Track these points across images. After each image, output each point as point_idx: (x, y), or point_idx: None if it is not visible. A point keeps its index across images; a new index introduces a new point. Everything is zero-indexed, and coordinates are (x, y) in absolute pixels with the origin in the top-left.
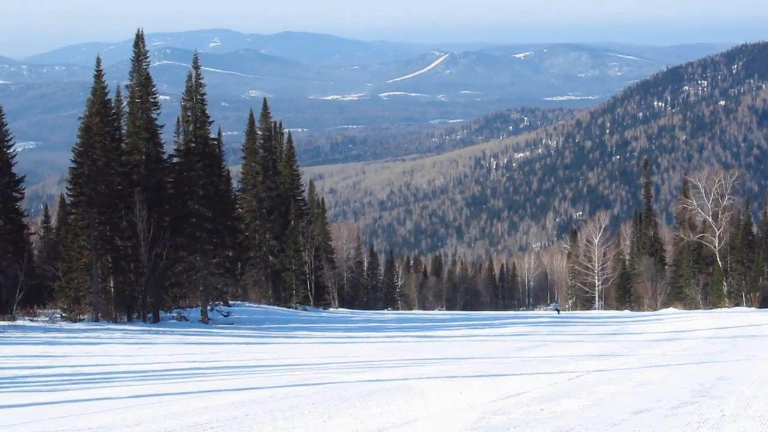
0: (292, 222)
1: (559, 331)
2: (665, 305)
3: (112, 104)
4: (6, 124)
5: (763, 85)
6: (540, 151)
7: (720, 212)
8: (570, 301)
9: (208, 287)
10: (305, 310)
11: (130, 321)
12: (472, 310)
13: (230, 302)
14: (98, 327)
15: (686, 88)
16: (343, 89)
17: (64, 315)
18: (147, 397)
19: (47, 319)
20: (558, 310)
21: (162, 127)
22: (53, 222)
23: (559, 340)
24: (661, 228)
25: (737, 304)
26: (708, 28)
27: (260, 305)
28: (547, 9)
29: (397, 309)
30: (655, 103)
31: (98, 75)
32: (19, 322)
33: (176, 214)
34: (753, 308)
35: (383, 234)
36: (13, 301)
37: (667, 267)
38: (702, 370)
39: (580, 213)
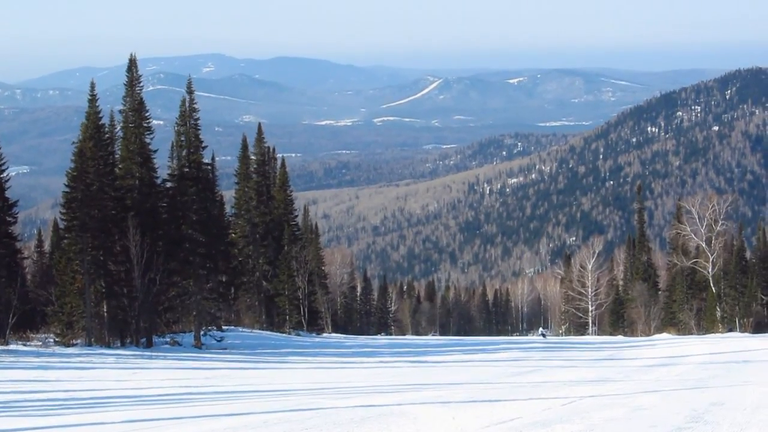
0: (286, 247)
1: (553, 356)
2: (659, 330)
3: (106, 129)
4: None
5: (757, 111)
6: (533, 176)
7: (713, 237)
8: (563, 327)
9: (202, 312)
10: (298, 335)
11: (123, 346)
12: (465, 335)
13: (223, 327)
14: (91, 352)
15: (680, 113)
16: (336, 114)
17: (57, 339)
18: (140, 422)
19: (40, 343)
20: (544, 335)
21: (155, 151)
22: (46, 246)
23: (553, 366)
24: (655, 253)
25: (731, 330)
26: (701, 53)
27: (253, 330)
28: (541, 35)
29: (391, 334)
30: (649, 128)
31: (92, 99)
32: (11, 347)
33: (170, 239)
34: (746, 333)
35: (377, 259)
36: (6, 326)
37: (660, 292)
38: (696, 395)
39: (574, 238)
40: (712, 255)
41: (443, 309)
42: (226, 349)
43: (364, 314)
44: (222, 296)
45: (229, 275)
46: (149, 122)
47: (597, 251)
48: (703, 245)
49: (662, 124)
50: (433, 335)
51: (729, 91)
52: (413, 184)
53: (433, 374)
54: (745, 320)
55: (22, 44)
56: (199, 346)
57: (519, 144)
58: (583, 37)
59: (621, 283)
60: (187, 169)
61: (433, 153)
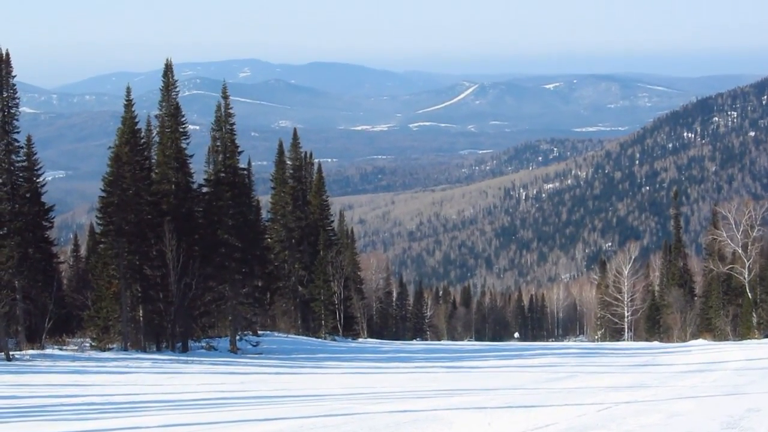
0: (322, 252)
1: (588, 362)
2: (694, 336)
3: (142, 134)
4: (36, 153)
5: None
6: (569, 181)
7: (750, 243)
8: (599, 332)
9: (237, 317)
10: (334, 340)
11: (159, 350)
12: (501, 341)
13: (259, 332)
14: (127, 356)
15: (716, 119)
16: (372, 119)
17: (93, 344)
18: (176, 427)
19: (76, 347)
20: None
21: (191, 156)
22: (83, 251)
23: (589, 372)
24: (691, 259)
25: (767, 336)
26: (738, 59)
27: (289, 335)
28: (577, 40)
29: (426, 339)
30: (685, 134)
31: (128, 104)
32: (48, 351)
33: (205, 244)
34: None
35: (412, 264)
36: (42, 330)
37: (696, 298)
38: (732, 401)
39: (610, 244)
40: (748, 261)
41: (479, 314)
42: (261, 353)
43: (400, 319)
44: (258, 301)
45: (264, 280)
46: (185, 127)
47: (633, 257)
48: (740, 251)
49: (698, 130)
50: (468, 341)
51: (765, 97)
52: (449, 190)
53: (469, 379)
54: None
55: (58, 50)
56: (234, 350)
57: (555, 149)
58: (620, 43)
59: (657, 288)
60: (223, 174)
61: (469, 158)
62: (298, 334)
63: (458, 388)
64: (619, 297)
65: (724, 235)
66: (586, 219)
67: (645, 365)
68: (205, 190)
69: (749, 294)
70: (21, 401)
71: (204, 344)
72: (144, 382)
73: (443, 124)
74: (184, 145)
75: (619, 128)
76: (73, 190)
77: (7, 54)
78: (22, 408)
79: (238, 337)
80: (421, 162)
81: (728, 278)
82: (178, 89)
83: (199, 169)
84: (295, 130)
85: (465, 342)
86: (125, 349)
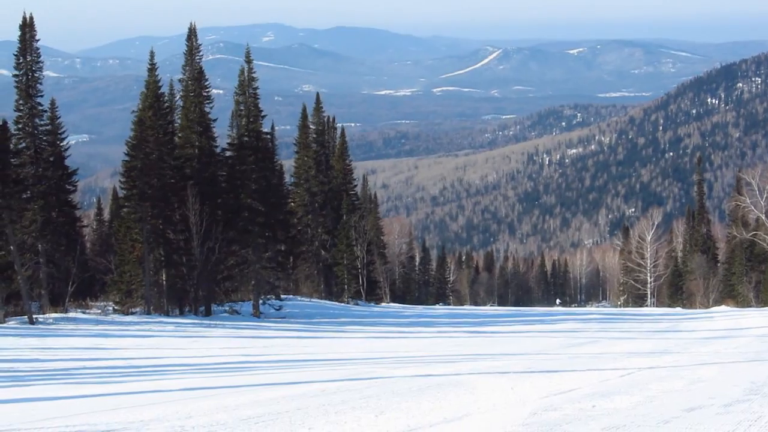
0: (345, 216)
1: (611, 327)
2: (717, 303)
3: (165, 98)
4: (59, 117)
5: None
6: (593, 147)
7: None
8: (622, 298)
9: (260, 281)
10: (357, 304)
11: (182, 314)
12: (523, 306)
13: (282, 296)
14: (150, 320)
15: (740, 85)
16: (395, 84)
17: (116, 308)
18: (199, 390)
19: (99, 311)
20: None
21: (215, 120)
22: (106, 215)
23: (611, 337)
24: (714, 225)
25: None
26: (763, 24)
27: (312, 299)
28: (601, 5)
29: (449, 304)
30: (709, 100)
31: (151, 69)
32: (71, 315)
33: (229, 208)
34: None
35: (435, 229)
36: (65, 294)
37: (719, 264)
38: (754, 368)
39: (633, 210)
40: None
41: (501, 279)
42: (284, 318)
43: (423, 284)
44: (281, 265)
45: (287, 244)
46: (209, 91)
47: (656, 223)
48: (763, 217)
49: (722, 96)
50: (491, 306)
51: None
52: (472, 155)
53: (492, 344)
54: None
55: (82, 14)
56: (257, 315)
57: (578, 115)
58: (644, 8)
59: (680, 255)
60: (246, 138)
61: (492, 123)
62: (321, 299)
63: (481, 352)
64: (642, 263)
65: (748, 201)
66: (609, 185)
67: (667, 331)
68: (228, 154)
69: None
70: (44, 364)
71: (227, 308)
72: (167, 345)
73: (466, 89)
74: (207, 110)
75: (643, 94)
76: (97, 154)
77: (31, 18)
78: (45, 371)
79: (261, 301)
80: (444, 127)
81: (751, 245)
82: (201, 53)
83: (223, 134)
84: (318, 94)
85: (487, 307)
86: (148, 313)
